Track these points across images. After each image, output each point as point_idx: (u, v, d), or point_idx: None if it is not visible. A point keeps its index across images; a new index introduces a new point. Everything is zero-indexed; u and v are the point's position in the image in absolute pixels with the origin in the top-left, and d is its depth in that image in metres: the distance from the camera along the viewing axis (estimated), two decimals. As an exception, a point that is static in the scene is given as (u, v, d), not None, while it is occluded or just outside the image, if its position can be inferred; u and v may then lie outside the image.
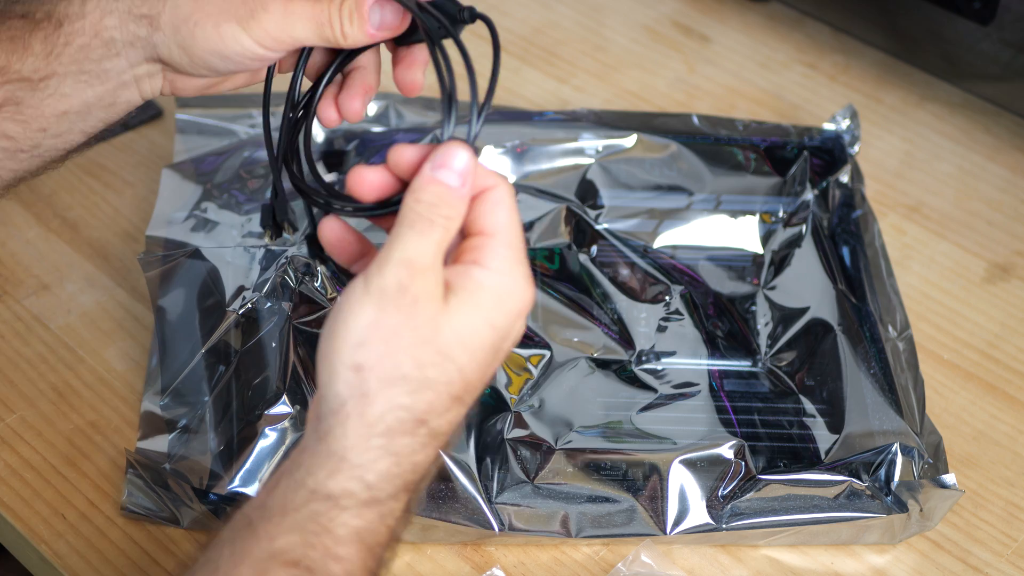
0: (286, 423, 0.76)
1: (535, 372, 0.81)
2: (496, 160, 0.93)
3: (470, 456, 0.76)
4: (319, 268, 0.82)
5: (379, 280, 0.56)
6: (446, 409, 0.57)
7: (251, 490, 0.75)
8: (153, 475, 0.75)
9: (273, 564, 0.55)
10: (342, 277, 0.84)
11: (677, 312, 0.86)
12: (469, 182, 0.59)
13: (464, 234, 0.60)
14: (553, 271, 0.88)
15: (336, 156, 0.93)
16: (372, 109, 0.97)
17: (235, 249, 0.84)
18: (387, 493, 0.57)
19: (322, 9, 0.66)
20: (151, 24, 0.67)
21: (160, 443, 0.78)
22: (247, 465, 0.75)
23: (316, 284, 0.83)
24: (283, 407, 0.76)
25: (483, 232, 0.59)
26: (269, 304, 0.81)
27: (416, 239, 0.57)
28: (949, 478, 0.77)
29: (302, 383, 0.78)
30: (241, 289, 0.82)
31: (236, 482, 0.75)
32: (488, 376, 0.59)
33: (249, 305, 0.81)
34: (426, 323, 0.56)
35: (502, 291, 0.58)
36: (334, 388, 0.56)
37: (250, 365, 0.79)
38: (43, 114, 0.68)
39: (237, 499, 0.74)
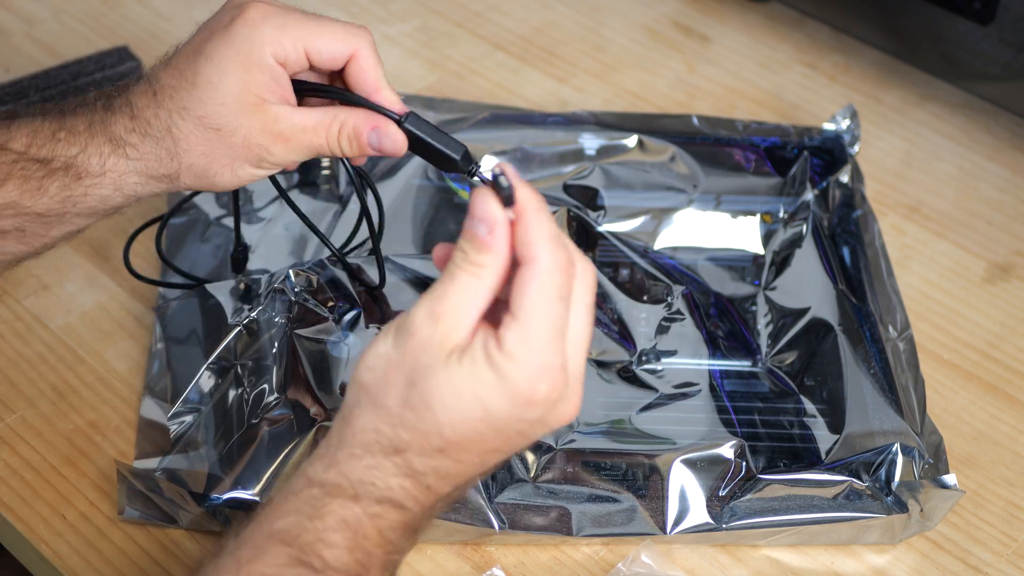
0: (283, 428, 0.76)
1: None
2: (496, 161, 0.93)
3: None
4: (318, 280, 0.82)
5: (408, 318, 0.59)
6: (426, 454, 0.59)
7: (249, 494, 0.74)
8: (146, 482, 0.75)
9: (271, 543, 0.58)
10: (340, 286, 0.83)
11: (678, 312, 0.86)
12: (497, 230, 0.58)
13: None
14: None
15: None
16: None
17: (236, 278, 0.84)
18: (368, 497, 0.59)
19: (322, 135, 0.71)
20: (170, 181, 0.72)
21: (158, 451, 0.78)
22: (245, 471, 0.75)
23: (314, 294, 0.82)
24: (282, 413, 0.76)
25: (510, 309, 0.58)
26: (269, 315, 0.81)
27: (442, 286, 0.58)
28: (950, 478, 0.77)
29: (300, 391, 0.78)
30: (242, 303, 0.82)
31: (236, 488, 0.74)
32: (481, 451, 0.59)
33: (251, 316, 0.80)
34: (422, 370, 0.58)
35: (504, 375, 0.57)
36: (345, 397, 0.61)
37: (250, 373, 0.79)
38: (48, 235, 0.74)
39: (234, 504, 0.74)
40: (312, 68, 0.71)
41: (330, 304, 0.82)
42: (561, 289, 0.58)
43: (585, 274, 0.60)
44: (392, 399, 0.59)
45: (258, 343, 0.80)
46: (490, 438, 0.59)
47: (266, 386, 0.78)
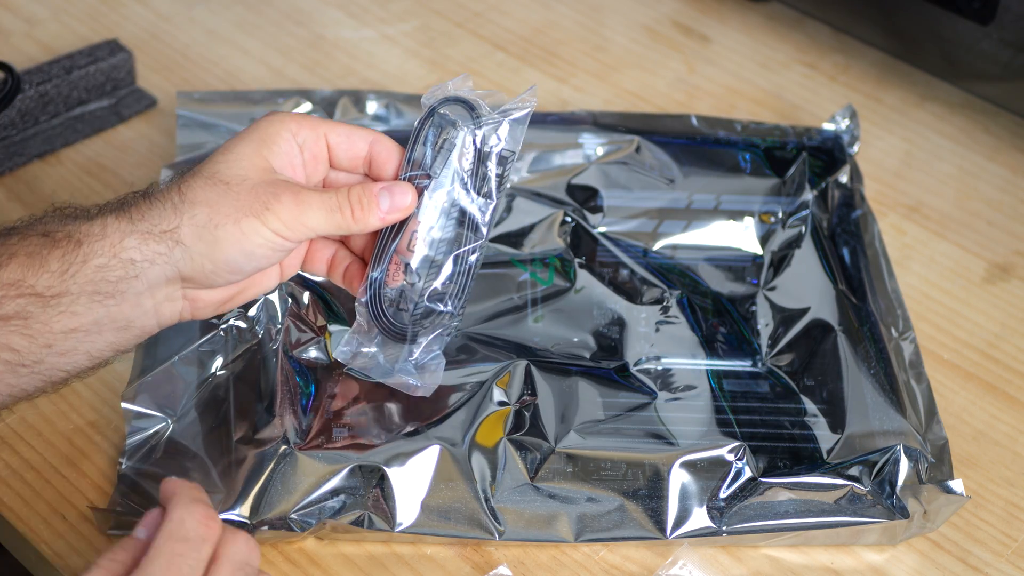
0: (273, 447, 0.75)
1: (533, 372, 0.81)
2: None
3: (468, 456, 0.76)
4: (306, 295, 0.82)
5: None
6: None
7: (233, 515, 0.73)
8: (136, 501, 0.74)
9: None
10: (330, 302, 0.83)
11: (675, 314, 0.86)
12: (146, 531, 0.64)
13: None
14: (549, 285, 0.87)
15: None
16: (372, 108, 0.97)
17: None
18: None
19: (332, 197, 0.70)
20: (172, 238, 0.69)
21: (143, 456, 0.77)
22: (231, 491, 0.74)
23: (303, 311, 0.82)
24: (272, 431, 0.76)
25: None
26: (258, 328, 0.80)
27: None
28: (956, 484, 0.77)
29: (290, 406, 0.77)
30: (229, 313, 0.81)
31: (227, 505, 0.74)
32: None
33: (239, 324, 0.80)
34: None
35: None
36: None
37: (238, 388, 0.78)
38: (51, 330, 0.68)
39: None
40: (333, 165, 0.73)
41: (320, 324, 0.82)
42: (192, 531, 0.62)
43: (235, 538, 0.64)
44: None
45: (248, 357, 0.79)
46: None
47: (254, 401, 0.77)
